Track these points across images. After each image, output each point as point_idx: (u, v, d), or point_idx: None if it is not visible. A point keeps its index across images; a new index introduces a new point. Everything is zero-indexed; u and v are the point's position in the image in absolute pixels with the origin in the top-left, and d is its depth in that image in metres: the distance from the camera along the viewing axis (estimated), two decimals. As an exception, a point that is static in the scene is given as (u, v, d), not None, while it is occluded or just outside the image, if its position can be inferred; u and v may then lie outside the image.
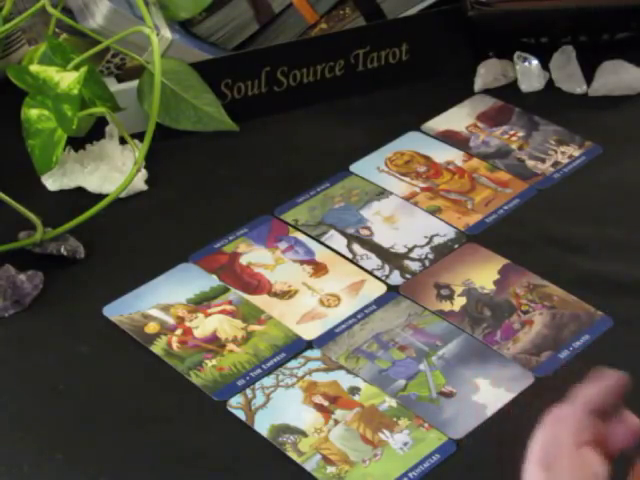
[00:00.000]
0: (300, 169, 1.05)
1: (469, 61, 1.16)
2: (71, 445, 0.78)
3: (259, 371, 0.84)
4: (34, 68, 0.97)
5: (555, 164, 1.04)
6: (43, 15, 1.05)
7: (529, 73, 1.14)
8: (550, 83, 1.15)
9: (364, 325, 0.87)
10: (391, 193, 1.01)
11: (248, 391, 0.82)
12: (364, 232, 0.97)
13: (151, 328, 0.87)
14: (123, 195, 0.99)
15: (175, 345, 0.86)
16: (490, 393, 0.81)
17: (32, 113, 0.96)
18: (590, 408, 0.61)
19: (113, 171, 1.02)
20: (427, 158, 1.06)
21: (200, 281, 0.92)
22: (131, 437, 0.79)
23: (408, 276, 0.92)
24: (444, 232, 0.96)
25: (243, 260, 0.94)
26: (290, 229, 0.97)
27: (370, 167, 1.05)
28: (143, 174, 1.03)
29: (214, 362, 0.84)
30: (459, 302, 0.89)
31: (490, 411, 0.80)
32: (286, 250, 0.95)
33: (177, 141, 1.07)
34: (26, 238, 0.94)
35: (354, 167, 1.05)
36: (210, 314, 0.89)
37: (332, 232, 0.97)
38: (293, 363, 0.84)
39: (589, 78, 1.13)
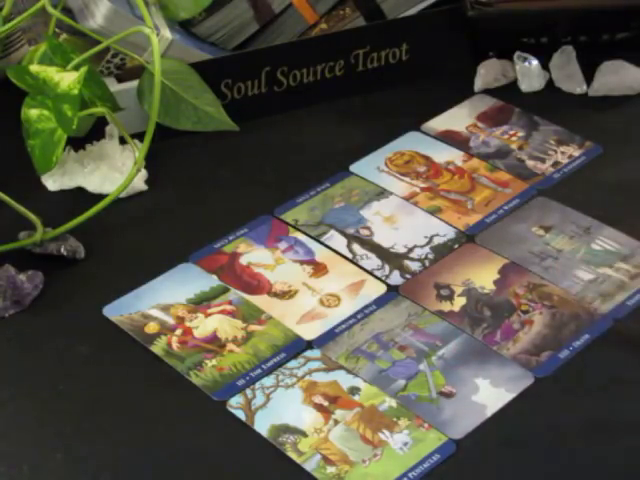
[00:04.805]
0: (300, 169, 1.05)
1: (469, 61, 1.16)
2: (71, 445, 0.78)
3: (259, 371, 0.84)
4: (34, 68, 0.97)
5: (555, 164, 1.04)
6: (43, 15, 1.05)
7: (529, 73, 1.14)
8: (550, 83, 1.15)
9: (364, 325, 0.87)
10: (391, 193, 1.01)
11: (248, 391, 0.82)
12: (364, 232, 0.97)
13: (151, 328, 0.88)
14: (123, 195, 0.99)
15: (175, 345, 0.86)
16: (490, 393, 0.81)
17: (32, 113, 0.96)
18: None
19: (113, 171, 1.02)
20: (427, 158, 1.05)
21: (200, 281, 0.92)
22: (131, 437, 0.79)
23: (408, 276, 0.92)
24: (444, 232, 0.96)
25: (243, 260, 0.94)
26: (290, 229, 0.97)
27: (370, 167, 1.04)
28: (143, 174, 1.03)
29: (214, 362, 0.84)
30: (459, 302, 0.89)
31: (490, 411, 0.80)
32: (286, 250, 0.95)
33: (177, 141, 1.07)
34: (26, 238, 0.94)
35: (354, 167, 1.04)
36: (210, 314, 0.89)
37: (332, 232, 0.97)
38: (293, 363, 0.84)
39: (589, 78, 1.13)
